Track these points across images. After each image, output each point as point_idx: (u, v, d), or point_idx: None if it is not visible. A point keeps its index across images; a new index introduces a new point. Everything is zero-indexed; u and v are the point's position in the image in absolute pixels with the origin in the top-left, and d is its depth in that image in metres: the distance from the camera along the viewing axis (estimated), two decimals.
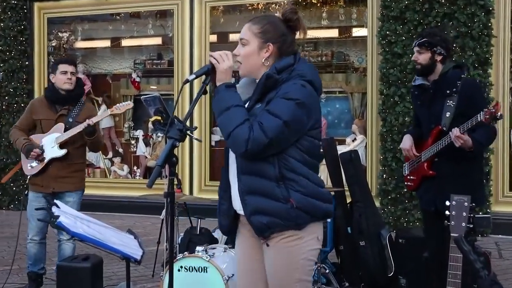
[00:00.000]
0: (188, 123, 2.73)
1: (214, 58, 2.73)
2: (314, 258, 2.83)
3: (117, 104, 5.16)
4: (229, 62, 2.73)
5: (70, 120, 5.04)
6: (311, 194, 2.71)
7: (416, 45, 4.28)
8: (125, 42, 11.22)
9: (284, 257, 2.75)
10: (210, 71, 2.75)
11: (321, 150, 8.79)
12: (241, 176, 2.75)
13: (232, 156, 2.83)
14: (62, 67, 5.07)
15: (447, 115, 4.15)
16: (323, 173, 8.33)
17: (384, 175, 7.83)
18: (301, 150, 2.72)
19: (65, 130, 5.00)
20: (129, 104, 5.16)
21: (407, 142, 4.46)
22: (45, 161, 5.00)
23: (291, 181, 2.68)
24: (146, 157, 10.83)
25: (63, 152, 5.00)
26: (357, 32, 9.94)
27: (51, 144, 5.00)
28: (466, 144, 4.01)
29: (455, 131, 3.98)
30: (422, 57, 4.24)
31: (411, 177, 4.50)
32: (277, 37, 2.80)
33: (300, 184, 2.69)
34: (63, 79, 5.05)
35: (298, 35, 2.90)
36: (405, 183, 4.63)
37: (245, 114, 2.66)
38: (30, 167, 5.06)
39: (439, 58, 4.24)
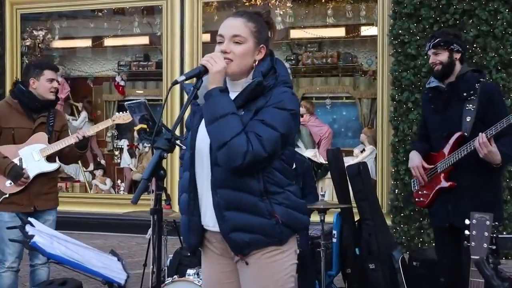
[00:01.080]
0: (177, 132, 2.73)
1: (206, 61, 2.74)
2: (295, 274, 2.91)
3: (118, 113, 5.13)
4: (222, 63, 2.74)
5: (50, 129, 4.99)
6: (293, 206, 2.80)
7: (431, 46, 4.29)
8: (108, 42, 11.23)
9: (268, 274, 2.80)
10: (202, 74, 2.75)
11: (326, 162, 8.76)
12: (217, 190, 2.76)
13: (203, 166, 2.82)
14: (48, 73, 4.95)
15: (467, 120, 4.14)
16: (329, 187, 8.33)
17: (396, 190, 7.81)
18: (283, 160, 2.81)
19: (48, 140, 4.93)
20: (130, 117, 5.03)
21: (416, 159, 4.43)
22: (31, 177, 4.85)
23: (275, 194, 2.76)
24: (131, 170, 10.83)
25: (55, 166, 4.96)
26: (366, 31, 9.98)
27: (34, 157, 4.87)
28: (493, 157, 3.97)
29: (482, 137, 3.95)
30: (441, 58, 4.26)
31: (424, 192, 4.44)
32: (266, 39, 2.89)
33: (282, 196, 2.78)
34: (49, 87, 4.94)
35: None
36: (416, 199, 4.58)
37: (241, 124, 2.68)
38: (9, 184, 4.86)
39: (457, 56, 4.27)
